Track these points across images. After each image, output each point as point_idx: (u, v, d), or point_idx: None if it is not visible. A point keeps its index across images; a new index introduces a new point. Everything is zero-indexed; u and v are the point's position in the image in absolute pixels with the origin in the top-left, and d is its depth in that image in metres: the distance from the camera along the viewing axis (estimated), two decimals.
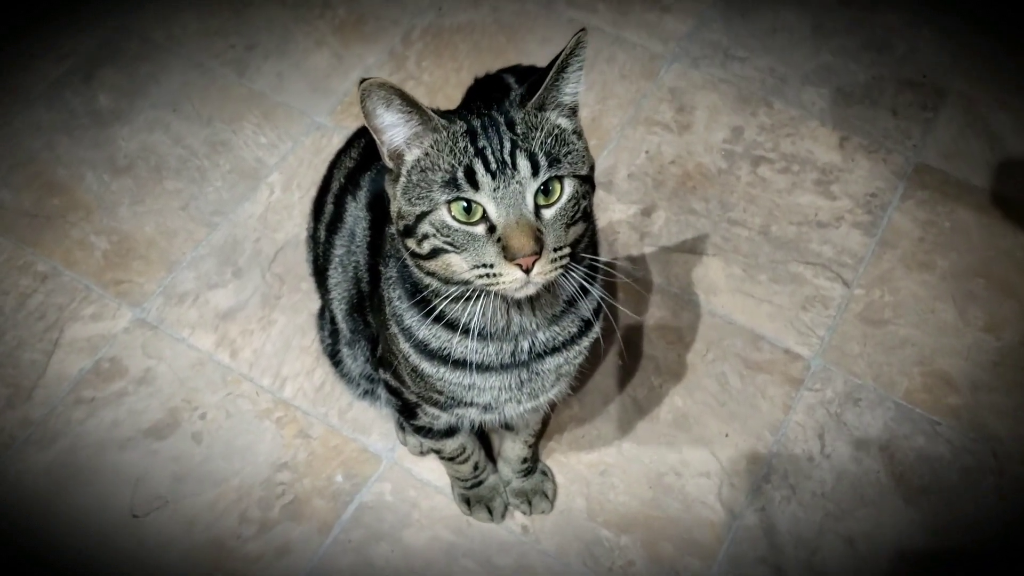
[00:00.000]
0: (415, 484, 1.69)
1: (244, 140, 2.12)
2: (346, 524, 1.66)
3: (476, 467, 1.59)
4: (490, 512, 1.64)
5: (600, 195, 2.04)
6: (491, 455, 1.68)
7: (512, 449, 1.59)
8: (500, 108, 1.08)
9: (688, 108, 2.19)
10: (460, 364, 1.21)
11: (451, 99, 2.12)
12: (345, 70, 2.24)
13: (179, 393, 1.79)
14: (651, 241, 1.99)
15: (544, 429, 1.73)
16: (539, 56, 2.24)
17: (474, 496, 1.64)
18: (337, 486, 1.69)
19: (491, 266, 1.04)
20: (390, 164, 1.11)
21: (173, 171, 2.08)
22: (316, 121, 2.16)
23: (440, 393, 1.27)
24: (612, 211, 2.03)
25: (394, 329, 1.24)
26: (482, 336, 1.18)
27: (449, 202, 1.04)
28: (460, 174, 1.03)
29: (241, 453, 1.73)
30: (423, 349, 1.21)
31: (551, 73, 1.06)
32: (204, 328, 1.87)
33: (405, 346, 1.23)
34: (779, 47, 2.30)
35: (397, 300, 1.22)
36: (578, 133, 1.12)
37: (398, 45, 2.29)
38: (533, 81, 1.09)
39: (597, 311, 1.27)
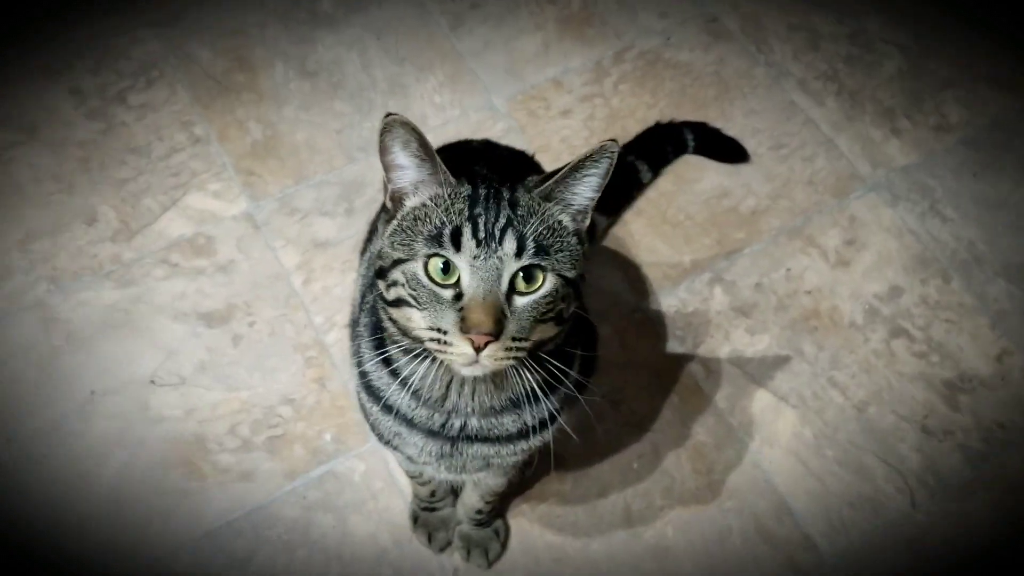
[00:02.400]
0: (384, 477, 1.72)
1: (421, 92, 2.17)
2: (310, 481, 1.72)
3: (434, 495, 1.59)
4: (429, 541, 1.64)
5: (714, 289, 1.92)
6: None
7: (469, 497, 1.57)
8: (511, 186, 1.08)
9: (858, 245, 1.99)
10: (391, 410, 1.20)
11: (628, 131, 2.06)
12: (545, 64, 2.22)
13: (245, 295, 1.90)
14: (737, 358, 1.85)
15: (521, 490, 1.70)
16: (738, 125, 2.12)
17: (423, 519, 1.64)
18: (322, 443, 1.75)
19: (445, 332, 1.02)
20: (389, 204, 1.11)
21: (348, 94, 2.16)
22: (492, 102, 2.16)
23: (374, 426, 1.27)
24: (718, 306, 1.90)
25: (353, 349, 1.25)
26: (416, 396, 1.17)
27: (428, 257, 1.03)
28: (447, 232, 1.03)
29: (264, 372, 1.82)
30: (366, 382, 1.22)
31: (565, 170, 1.05)
32: (296, 247, 1.96)
33: (355, 370, 1.24)
34: (995, 224, 2.02)
35: (363, 327, 1.22)
36: (579, 237, 1.09)
37: (608, 59, 2.23)
38: (549, 173, 1.08)
39: (544, 422, 1.21)
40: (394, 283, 1.06)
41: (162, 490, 1.70)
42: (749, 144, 2.10)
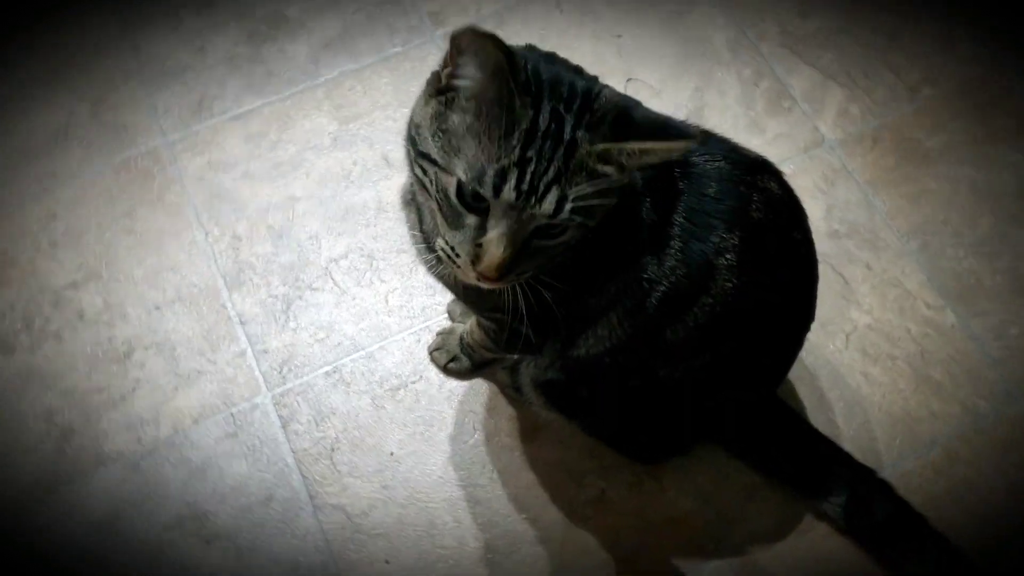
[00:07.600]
0: None
1: None
2: None
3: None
4: (448, 308, 1.73)
5: None
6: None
7: (466, 323, 1.61)
8: (580, 118, 0.96)
9: None
10: None
11: None
12: None
13: None
14: None
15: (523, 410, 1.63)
16: None
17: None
18: None
19: (457, 255, 1.01)
20: (442, 82, 1.00)
21: None
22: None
23: None
24: None
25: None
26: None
27: (462, 183, 0.97)
28: (491, 173, 0.94)
29: None
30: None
31: (642, 147, 0.94)
32: None
33: None
34: None
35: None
36: (616, 192, 0.99)
37: None
38: (623, 121, 0.97)
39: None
40: (424, 170, 1.01)
41: None
42: None
